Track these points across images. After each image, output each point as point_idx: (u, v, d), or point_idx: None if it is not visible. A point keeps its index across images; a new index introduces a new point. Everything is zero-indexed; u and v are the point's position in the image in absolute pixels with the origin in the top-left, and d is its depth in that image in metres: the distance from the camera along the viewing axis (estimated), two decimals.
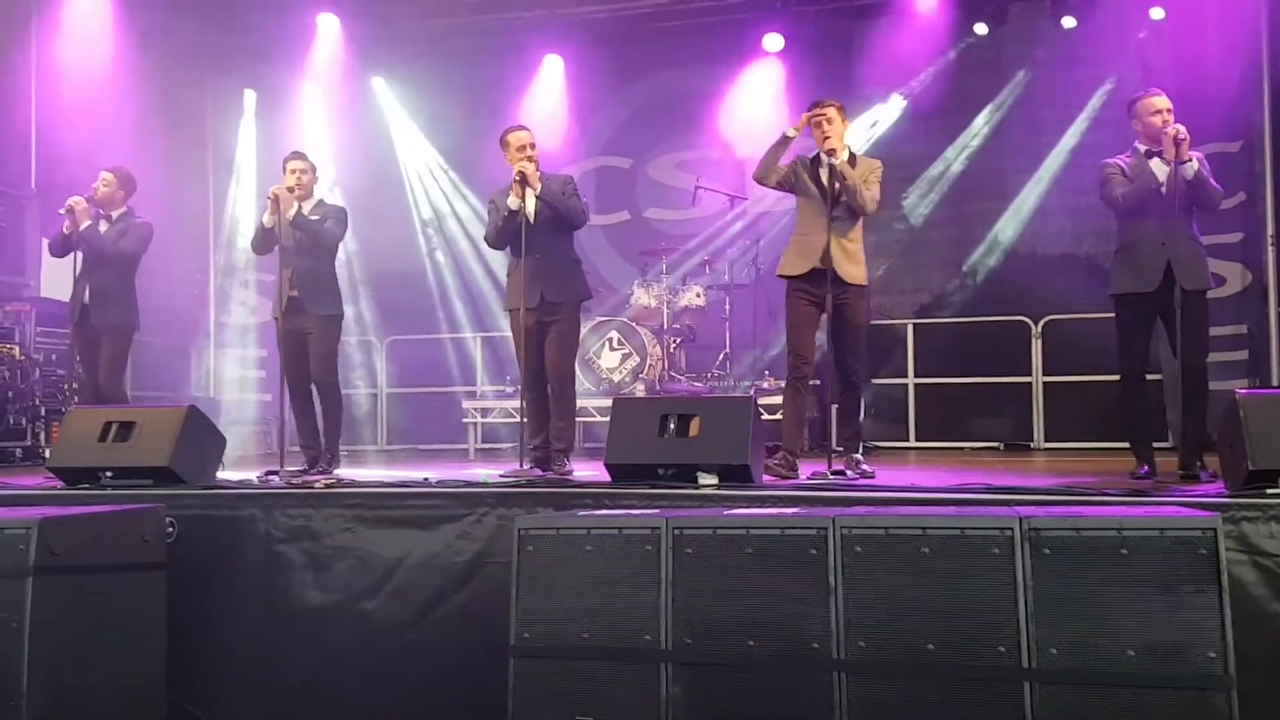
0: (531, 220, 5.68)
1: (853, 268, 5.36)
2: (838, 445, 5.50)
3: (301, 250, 6.10)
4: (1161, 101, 5.04)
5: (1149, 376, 5.22)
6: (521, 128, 5.92)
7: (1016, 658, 3.05)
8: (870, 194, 5.32)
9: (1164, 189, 4.91)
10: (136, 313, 6.59)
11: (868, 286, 5.48)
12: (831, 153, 5.28)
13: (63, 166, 8.27)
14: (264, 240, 6.15)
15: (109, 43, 8.83)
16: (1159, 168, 4.97)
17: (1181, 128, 4.85)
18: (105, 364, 6.48)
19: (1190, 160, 4.86)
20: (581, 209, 5.82)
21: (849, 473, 5.22)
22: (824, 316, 5.35)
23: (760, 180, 5.54)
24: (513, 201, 5.68)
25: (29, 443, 7.99)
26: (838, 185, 5.28)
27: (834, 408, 5.60)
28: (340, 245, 6.38)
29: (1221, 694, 2.92)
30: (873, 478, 5.15)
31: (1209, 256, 5.15)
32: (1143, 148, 5.09)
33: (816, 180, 5.39)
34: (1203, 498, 3.87)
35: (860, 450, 5.44)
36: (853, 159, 5.44)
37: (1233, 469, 4.13)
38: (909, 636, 3.14)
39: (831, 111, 5.36)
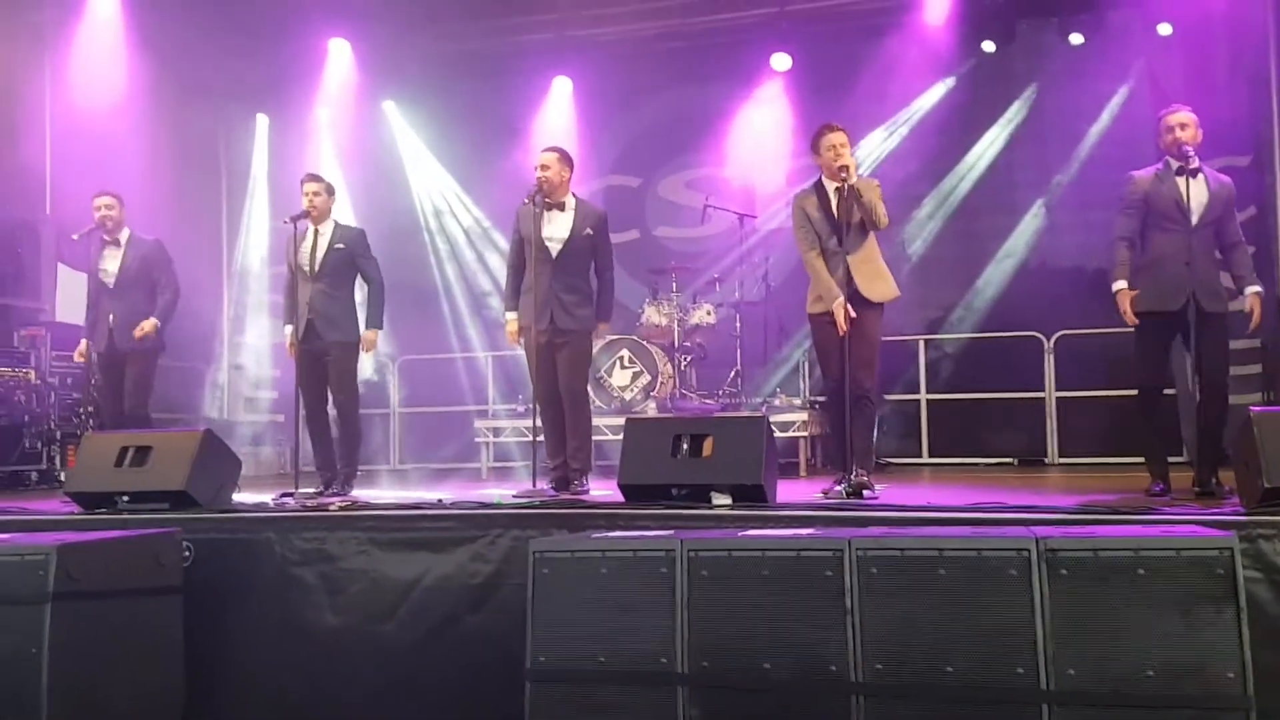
0: (560, 247, 5.72)
1: (877, 285, 5.35)
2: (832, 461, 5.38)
3: (320, 276, 6.07)
4: (1176, 118, 4.99)
5: (1165, 391, 5.19)
6: (546, 149, 5.88)
7: (1034, 679, 3.04)
8: (882, 209, 5.33)
9: (1188, 209, 4.83)
10: (162, 334, 6.63)
11: (884, 304, 5.41)
12: (844, 169, 5.26)
13: (77, 192, 8.34)
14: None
15: (122, 68, 8.89)
16: (1183, 185, 4.85)
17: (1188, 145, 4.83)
18: (132, 387, 6.51)
19: None
20: (610, 256, 6.01)
21: (837, 488, 5.12)
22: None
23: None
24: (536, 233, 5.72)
25: (44, 466, 8.04)
26: (853, 206, 5.28)
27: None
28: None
29: (1240, 714, 2.91)
30: (876, 497, 5.05)
31: (1221, 271, 5.11)
32: (1174, 163, 4.98)
33: (825, 209, 5.39)
34: (1219, 516, 3.86)
35: (869, 466, 5.38)
36: None
37: (1248, 486, 4.12)
38: (926, 659, 3.14)
39: (843, 136, 5.38)
